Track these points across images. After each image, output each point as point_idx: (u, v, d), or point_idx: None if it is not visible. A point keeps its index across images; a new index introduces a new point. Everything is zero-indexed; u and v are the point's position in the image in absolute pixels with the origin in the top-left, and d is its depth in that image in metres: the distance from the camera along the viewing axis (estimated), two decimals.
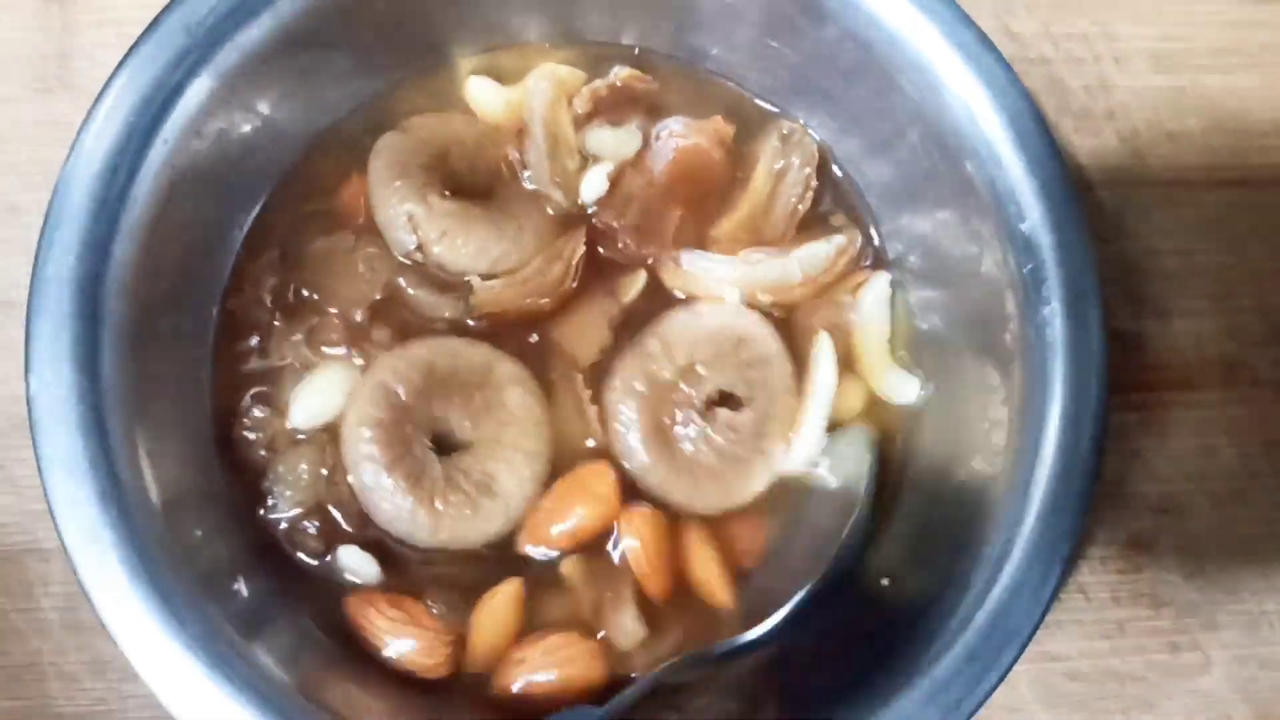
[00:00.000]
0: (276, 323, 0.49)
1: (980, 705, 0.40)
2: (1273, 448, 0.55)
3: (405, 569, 0.47)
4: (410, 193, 0.49)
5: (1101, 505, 0.54)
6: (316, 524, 0.46)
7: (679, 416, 0.49)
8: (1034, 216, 0.43)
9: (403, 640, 0.45)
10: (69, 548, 0.38)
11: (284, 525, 0.47)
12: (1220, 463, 0.55)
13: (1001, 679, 0.40)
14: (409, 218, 0.49)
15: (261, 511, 0.47)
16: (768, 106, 0.54)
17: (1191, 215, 0.57)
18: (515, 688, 0.45)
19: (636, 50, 0.54)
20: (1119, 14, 0.59)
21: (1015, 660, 0.40)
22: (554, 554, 0.47)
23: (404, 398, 0.47)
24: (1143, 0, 0.59)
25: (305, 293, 0.49)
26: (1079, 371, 0.43)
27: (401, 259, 0.50)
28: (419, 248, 0.49)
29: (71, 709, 0.48)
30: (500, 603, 0.46)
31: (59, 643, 0.48)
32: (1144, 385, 0.55)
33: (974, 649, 0.40)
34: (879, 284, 0.51)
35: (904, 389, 0.51)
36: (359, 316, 0.49)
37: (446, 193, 0.50)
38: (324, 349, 0.49)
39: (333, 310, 0.49)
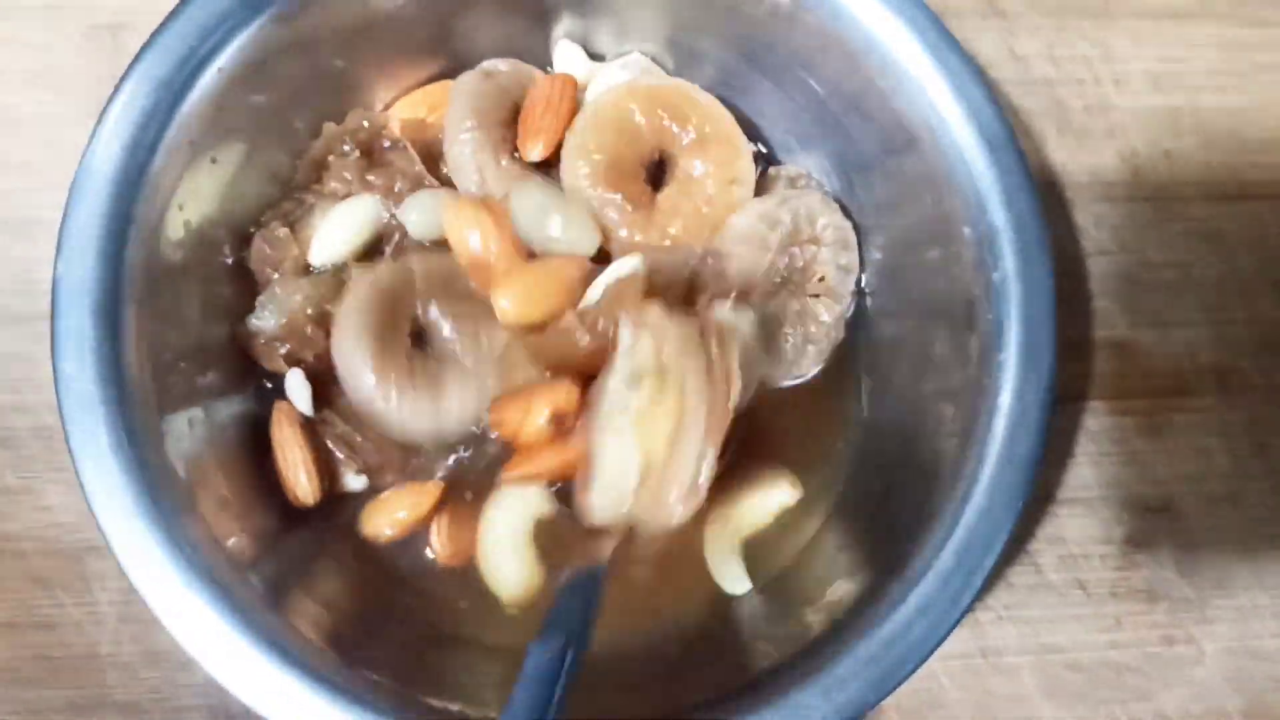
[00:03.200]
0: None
1: (873, 707, 0.41)
2: (1264, 450, 0.58)
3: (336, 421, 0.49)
4: (484, 144, 0.50)
5: (1101, 505, 0.56)
6: (288, 347, 0.49)
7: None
8: (1006, 268, 0.46)
9: (294, 455, 0.47)
10: (65, 416, 0.41)
11: (261, 338, 0.49)
12: (1214, 465, 0.57)
13: (898, 685, 0.42)
14: (479, 169, 0.50)
15: (247, 318, 0.49)
16: (776, 150, 0.56)
17: (1186, 229, 0.59)
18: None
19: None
20: (1119, 37, 0.61)
21: (915, 670, 0.42)
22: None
23: (420, 281, 0.48)
24: (1141, 23, 0.61)
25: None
26: (1021, 422, 0.45)
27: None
28: (482, 199, 0.50)
29: (128, 697, 0.51)
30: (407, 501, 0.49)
31: (115, 635, 0.51)
32: (1141, 392, 0.58)
33: (874, 654, 0.42)
34: None
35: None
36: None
37: (516, 153, 0.51)
38: (370, 180, 0.51)
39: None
